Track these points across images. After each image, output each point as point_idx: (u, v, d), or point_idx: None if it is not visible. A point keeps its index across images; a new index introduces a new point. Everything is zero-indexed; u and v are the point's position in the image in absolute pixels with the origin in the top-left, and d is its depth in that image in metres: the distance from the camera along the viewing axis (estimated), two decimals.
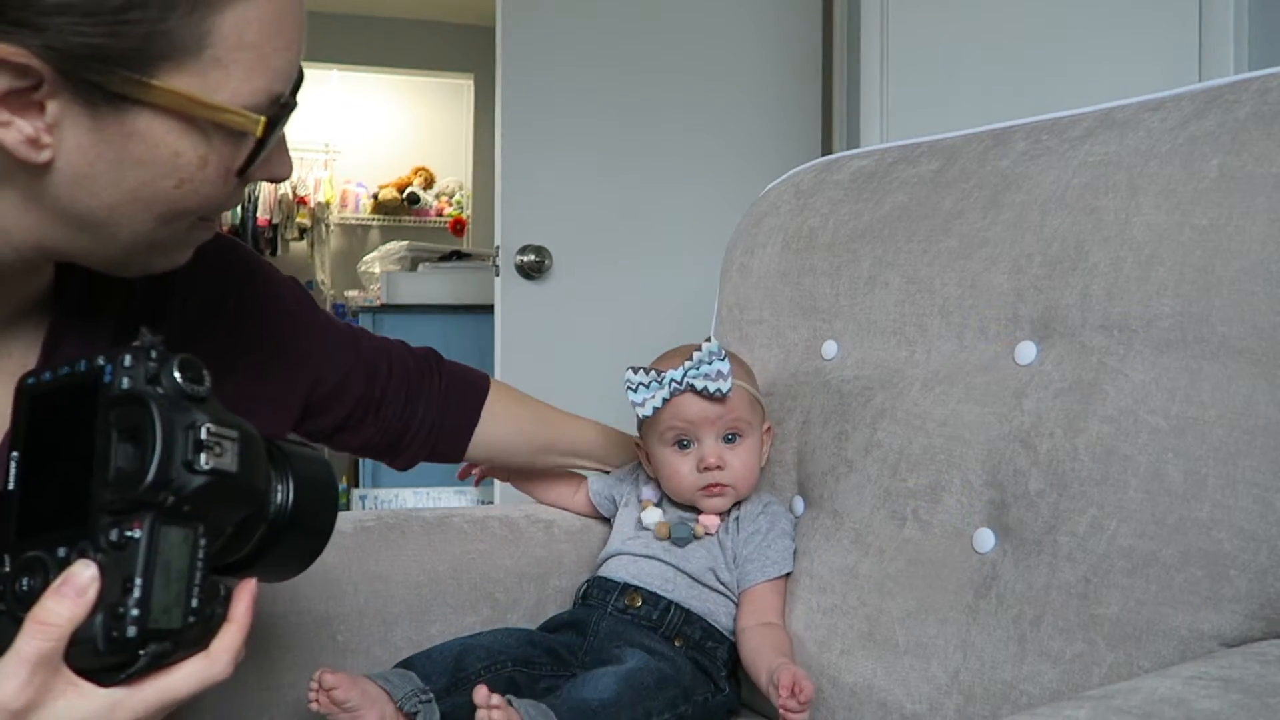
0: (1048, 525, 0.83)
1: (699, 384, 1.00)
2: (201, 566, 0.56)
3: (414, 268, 3.73)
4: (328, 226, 6.12)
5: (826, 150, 2.42)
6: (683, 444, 1.03)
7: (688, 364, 1.01)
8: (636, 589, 1.01)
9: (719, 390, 0.99)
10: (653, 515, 1.05)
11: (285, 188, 5.91)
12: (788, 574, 1.03)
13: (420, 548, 1.08)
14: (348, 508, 3.70)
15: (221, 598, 0.59)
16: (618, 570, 1.04)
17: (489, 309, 2.34)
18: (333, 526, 0.67)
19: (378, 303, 3.54)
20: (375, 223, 6.23)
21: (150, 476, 0.53)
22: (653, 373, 1.02)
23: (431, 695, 0.87)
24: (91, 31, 0.55)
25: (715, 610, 1.02)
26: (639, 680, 0.88)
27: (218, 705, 0.94)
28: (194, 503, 0.55)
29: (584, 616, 1.02)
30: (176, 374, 0.56)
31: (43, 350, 0.73)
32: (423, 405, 1.04)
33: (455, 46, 5.92)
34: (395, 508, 3.18)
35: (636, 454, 1.12)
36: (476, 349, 3.24)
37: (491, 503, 2.28)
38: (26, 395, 0.59)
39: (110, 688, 0.55)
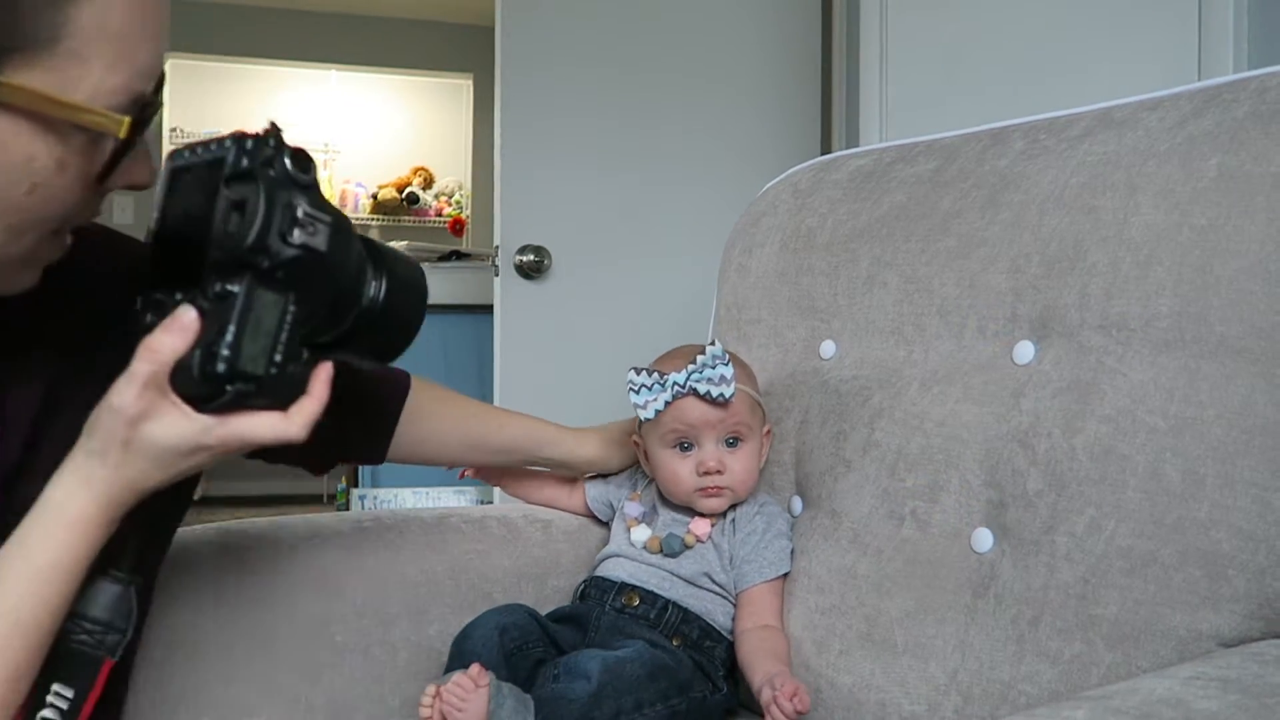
0: (1046, 525, 0.83)
1: (702, 388, 0.99)
2: (289, 329, 0.65)
3: None
4: None
5: (826, 150, 2.42)
6: (683, 446, 1.03)
7: (691, 367, 1.00)
8: (634, 588, 1.02)
9: (722, 395, 0.99)
10: (641, 534, 1.05)
11: None
12: (785, 574, 1.03)
13: (418, 548, 1.08)
14: (346, 508, 3.70)
15: (304, 361, 0.67)
16: (615, 570, 1.05)
17: (488, 309, 2.34)
18: (419, 325, 0.74)
19: None
20: (374, 223, 6.23)
21: (250, 240, 0.61)
22: (655, 374, 1.02)
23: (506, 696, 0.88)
24: None
25: (713, 610, 1.02)
26: (629, 671, 0.88)
27: (218, 704, 0.94)
28: (287, 271, 0.63)
29: (585, 612, 1.02)
30: (287, 161, 0.63)
31: None
32: (339, 407, 1.00)
33: (454, 46, 5.93)
34: (394, 508, 3.18)
35: (580, 445, 1.12)
36: (476, 349, 3.24)
37: (490, 503, 2.28)
38: (169, 169, 0.67)
39: (205, 414, 0.64)
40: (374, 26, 5.85)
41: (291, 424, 0.66)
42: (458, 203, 6.22)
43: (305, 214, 0.63)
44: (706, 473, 1.01)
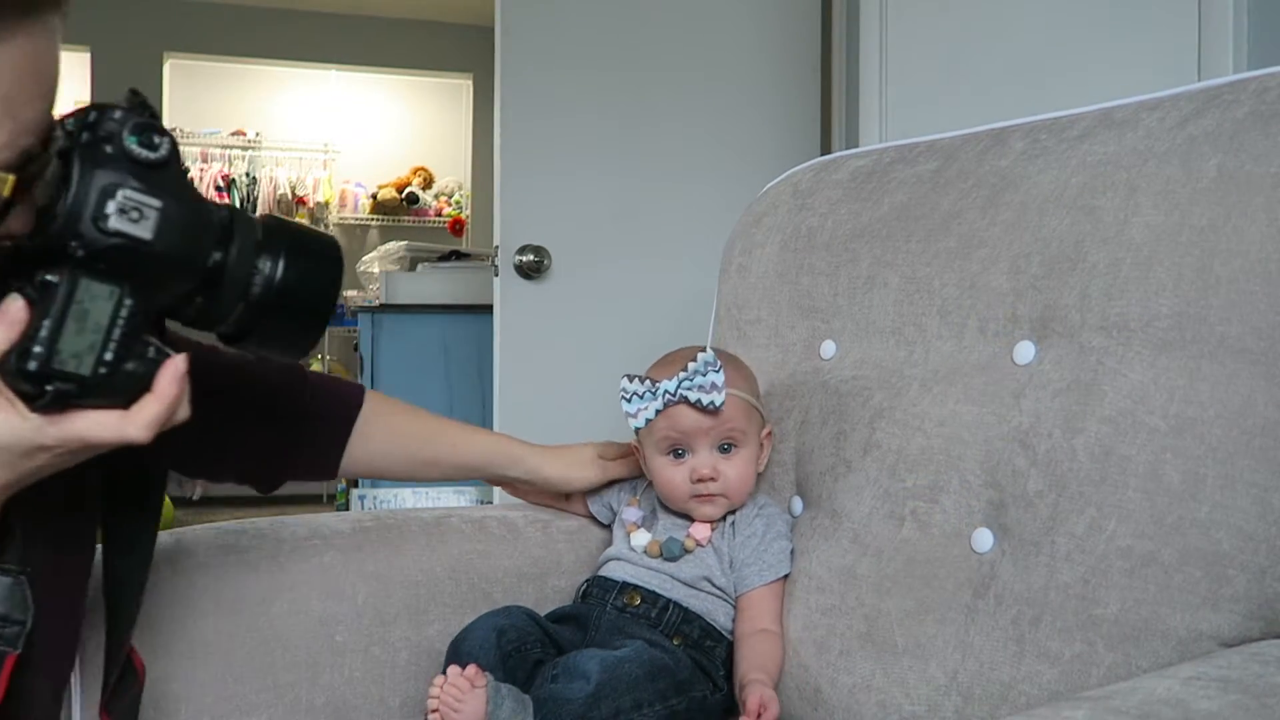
0: (1046, 525, 0.83)
1: (692, 396, 0.99)
2: (123, 324, 0.60)
3: (413, 268, 3.73)
4: (327, 226, 6.13)
5: (825, 150, 2.42)
6: (677, 453, 1.03)
7: (682, 375, 1.00)
8: (635, 588, 1.02)
9: (712, 403, 0.99)
10: (641, 538, 1.05)
11: (285, 187, 5.92)
12: (785, 576, 1.03)
13: (419, 548, 1.08)
14: (346, 508, 3.70)
15: (149, 358, 0.62)
16: (616, 571, 1.05)
17: (488, 309, 2.34)
18: (329, 309, 0.68)
19: (376, 303, 3.54)
20: (374, 223, 6.23)
21: (56, 225, 0.57)
22: (647, 382, 1.01)
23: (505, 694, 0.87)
24: None
25: (713, 610, 1.02)
26: (627, 671, 0.88)
27: (218, 704, 0.94)
28: (109, 262, 0.58)
29: (585, 611, 1.02)
30: (128, 136, 0.58)
31: None
32: (282, 425, 0.98)
33: (454, 46, 5.93)
34: (394, 508, 3.18)
35: (544, 464, 1.12)
36: (475, 349, 3.25)
37: (490, 503, 2.28)
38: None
39: (37, 413, 0.60)
40: (374, 26, 5.85)
41: (131, 425, 0.61)
42: (457, 203, 6.22)
43: (127, 198, 0.58)
44: (700, 479, 1.01)
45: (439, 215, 6.22)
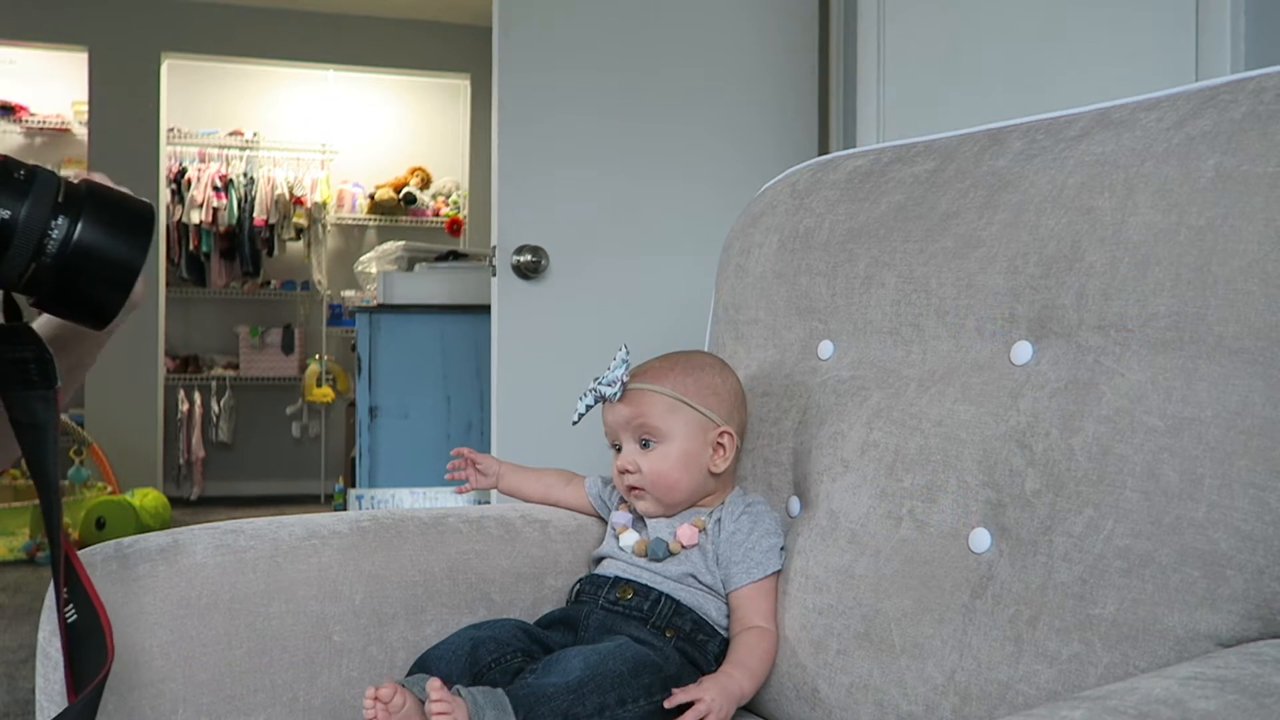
0: (1044, 525, 0.83)
1: (599, 390, 1.05)
2: None
3: (410, 268, 3.73)
4: (324, 226, 6.13)
5: (823, 150, 2.42)
6: (616, 449, 1.08)
7: (605, 373, 1.06)
8: (628, 582, 1.02)
9: (611, 396, 1.05)
10: (629, 538, 1.07)
11: (282, 187, 5.92)
12: (776, 572, 1.03)
13: (416, 548, 1.08)
14: (344, 508, 3.69)
15: None
16: (608, 568, 1.06)
17: (486, 309, 2.34)
18: (133, 273, 0.67)
19: (374, 303, 3.54)
20: (372, 223, 6.23)
21: None
22: (591, 382, 1.08)
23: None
24: None
25: (704, 604, 1.02)
26: (610, 666, 0.88)
27: (216, 704, 0.94)
28: None
29: (575, 613, 1.03)
30: None
31: None
32: None
33: (452, 46, 5.93)
34: (391, 508, 3.17)
35: None
36: (473, 349, 3.24)
37: (488, 503, 2.28)
38: None
39: None
40: (372, 26, 5.85)
41: None
42: (455, 203, 6.22)
43: None
44: (620, 472, 1.06)
45: (436, 215, 6.22)
